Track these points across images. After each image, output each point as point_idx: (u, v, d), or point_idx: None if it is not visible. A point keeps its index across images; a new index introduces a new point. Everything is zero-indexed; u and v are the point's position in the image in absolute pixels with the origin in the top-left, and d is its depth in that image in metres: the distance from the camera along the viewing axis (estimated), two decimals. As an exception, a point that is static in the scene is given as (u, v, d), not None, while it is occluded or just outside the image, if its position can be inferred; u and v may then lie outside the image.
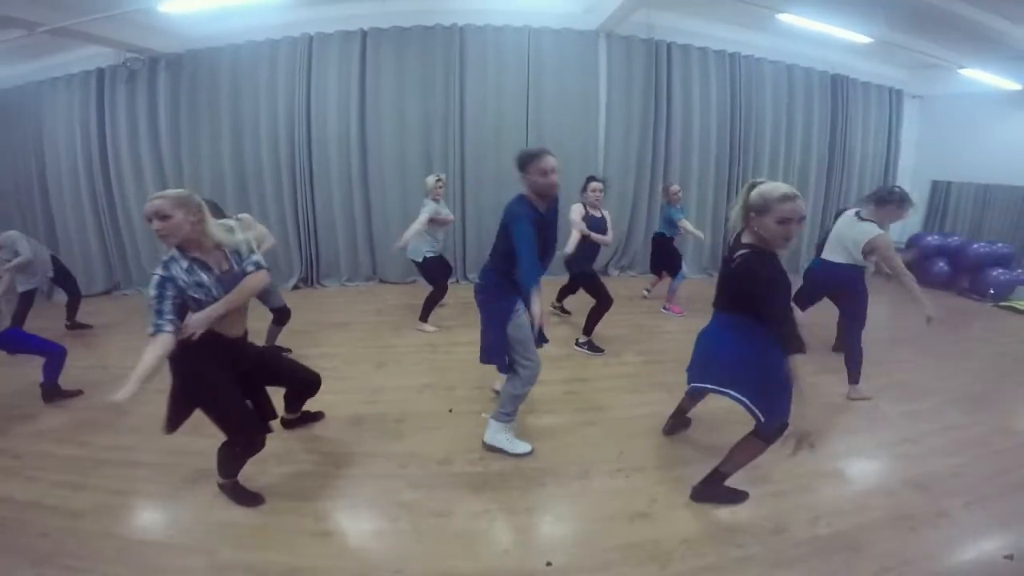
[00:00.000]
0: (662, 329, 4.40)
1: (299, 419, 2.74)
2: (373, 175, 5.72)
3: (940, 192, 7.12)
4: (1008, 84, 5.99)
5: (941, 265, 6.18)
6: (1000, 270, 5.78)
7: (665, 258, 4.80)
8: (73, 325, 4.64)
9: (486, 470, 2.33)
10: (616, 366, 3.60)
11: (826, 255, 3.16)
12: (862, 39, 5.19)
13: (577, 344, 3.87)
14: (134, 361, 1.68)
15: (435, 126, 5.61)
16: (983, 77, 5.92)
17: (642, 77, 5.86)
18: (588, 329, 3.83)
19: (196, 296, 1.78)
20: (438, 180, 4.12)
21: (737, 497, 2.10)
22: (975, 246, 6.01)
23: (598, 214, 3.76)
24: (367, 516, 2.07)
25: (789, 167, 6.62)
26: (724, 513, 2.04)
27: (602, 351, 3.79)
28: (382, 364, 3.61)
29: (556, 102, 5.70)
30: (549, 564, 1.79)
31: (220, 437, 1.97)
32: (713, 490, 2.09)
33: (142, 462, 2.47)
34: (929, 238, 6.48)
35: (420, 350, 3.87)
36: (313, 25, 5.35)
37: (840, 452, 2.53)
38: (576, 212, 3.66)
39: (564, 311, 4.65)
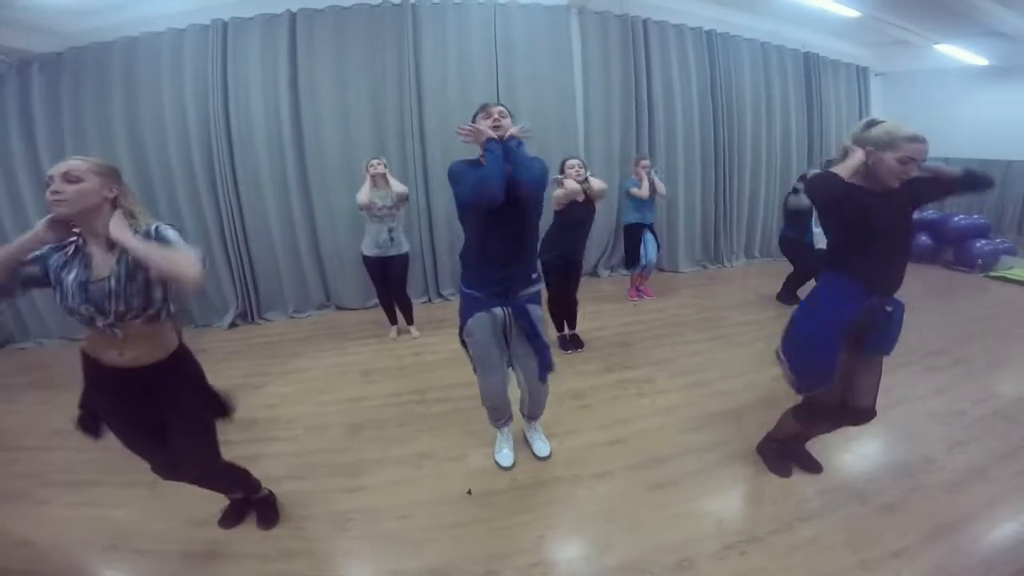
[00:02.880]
0: (685, 339, 3.69)
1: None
2: (314, 177, 4.73)
3: (909, 168, 7.06)
4: (974, 59, 5.93)
5: (924, 238, 6.06)
6: (983, 241, 5.70)
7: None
8: None
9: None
10: (653, 395, 2.89)
11: None
12: (850, 13, 4.87)
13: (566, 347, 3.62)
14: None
15: (389, 118, 4.75)
16: (951, 52, 5.83)
17: (619, 57, 5.28)
18: (560, 326, 3.65)
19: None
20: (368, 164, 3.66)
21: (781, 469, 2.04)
22: (956, 218, 5.90)
23: (582, 197, 3.16)
24: None
25: (771, 149, 6.28)
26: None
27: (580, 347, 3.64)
28: (357, 428, 2.71)
29: (530, 85, 4.99)
30: None
31: None
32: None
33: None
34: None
35: (399, 400, 3.00)
36: (226, 10, 4.35)
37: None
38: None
39: (568, 344, 3.67)
